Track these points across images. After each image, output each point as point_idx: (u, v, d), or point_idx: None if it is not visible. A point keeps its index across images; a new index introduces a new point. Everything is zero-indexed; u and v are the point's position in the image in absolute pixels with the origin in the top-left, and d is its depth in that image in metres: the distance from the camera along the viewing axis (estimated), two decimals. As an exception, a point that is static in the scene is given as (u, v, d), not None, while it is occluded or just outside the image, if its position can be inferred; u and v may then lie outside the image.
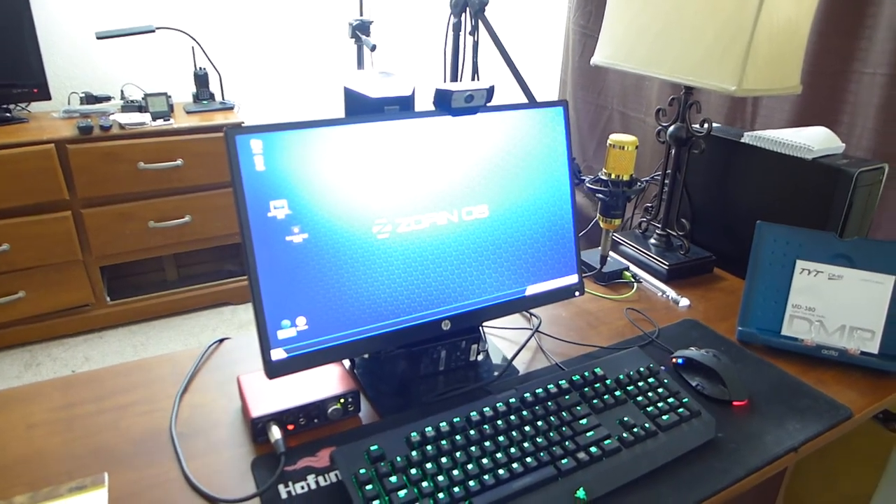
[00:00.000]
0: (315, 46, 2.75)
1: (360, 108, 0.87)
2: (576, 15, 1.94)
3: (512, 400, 0.79)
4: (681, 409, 0.81)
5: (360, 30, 2.28)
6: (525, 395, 0.80)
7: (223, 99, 2.47)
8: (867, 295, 0.96)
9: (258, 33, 2.64)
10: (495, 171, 0.87)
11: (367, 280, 0.79)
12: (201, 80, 2.42)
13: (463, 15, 1.36)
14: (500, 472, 0.69)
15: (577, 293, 0.97)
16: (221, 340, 0.98)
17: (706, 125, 1.17)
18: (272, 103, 2.75)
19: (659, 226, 1.31)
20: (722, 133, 1.26)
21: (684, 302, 1.15)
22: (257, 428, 0.76)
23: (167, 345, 2.31)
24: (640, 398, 0.83)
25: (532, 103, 0.92)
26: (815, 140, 1.09)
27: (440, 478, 0.67)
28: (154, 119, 2.17)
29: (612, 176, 1.05)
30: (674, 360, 0.95)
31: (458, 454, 0.70)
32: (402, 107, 0.86)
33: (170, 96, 2.26)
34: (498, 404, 0.78)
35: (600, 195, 1.06)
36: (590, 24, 1.89)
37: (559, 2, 2.26)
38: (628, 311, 1.11)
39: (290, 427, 0.78)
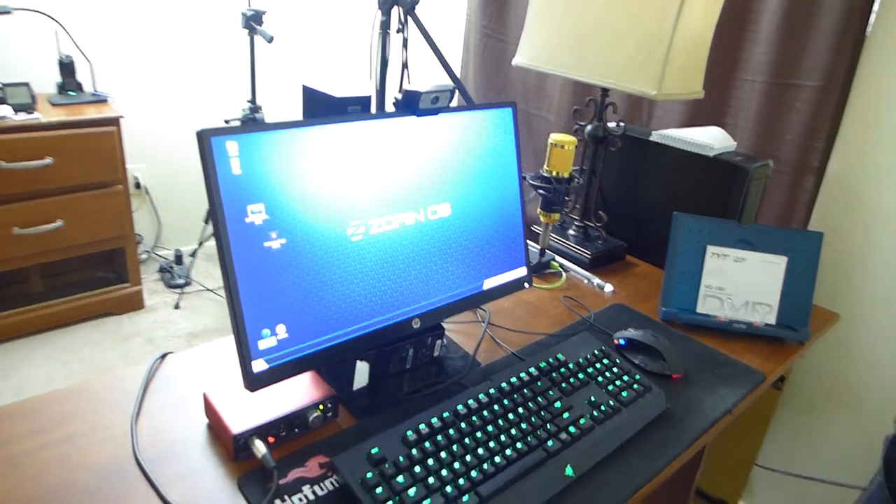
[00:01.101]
0: (202, 35, 2.57)
1: (321, 107, 0.85)
2: (477, 15, 2.00)
3: (491, 391, 0.82)
4: (635, 386, 0.89)
5: (254, 20, 2.18)
6: (501, 384, 0.83)
7: (95, 90, 2.23)
8: (766, 274, 1.11)
9: (134, 17, 2.41)
10: (455, 169, 0.90)
11: (344, 283, 0.78)
12: (67, 68, 2.17)
13: (391, 13, 1.36)
14: (497, 459, 0.72)
15: (526, 284, 1.03)
16: (164, 356, 0.91)
17: (621, 124, 1.28)
18: (153, 95, 2.54)
19: (577, 218, 1.41)
20: (631, 132, 1.38)
21: (609, 288, 1.25)
22: (238, 444, 0.72)
23: (41, 364, 2.06)
24: (599, 378, 0.90)
25: (485, 104, 0.95)
26: (714, 139, 1.24)
27: (443, 472, 0.69)
28: (16, 112, 1.91)
29: (554, 173, 1.12)
30: (616, 341, 1.03)
31: (454, 447, 0.72)
32: (364, 107, 0.86)
33: (31, 87, 2.01)
34: (480, 395, 0.80)
35: (542, 191, 1.13)
36: (491, 24, 1.96)
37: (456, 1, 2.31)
38: (565, 299, 1.19)
39: (271, 440, 0.75)
